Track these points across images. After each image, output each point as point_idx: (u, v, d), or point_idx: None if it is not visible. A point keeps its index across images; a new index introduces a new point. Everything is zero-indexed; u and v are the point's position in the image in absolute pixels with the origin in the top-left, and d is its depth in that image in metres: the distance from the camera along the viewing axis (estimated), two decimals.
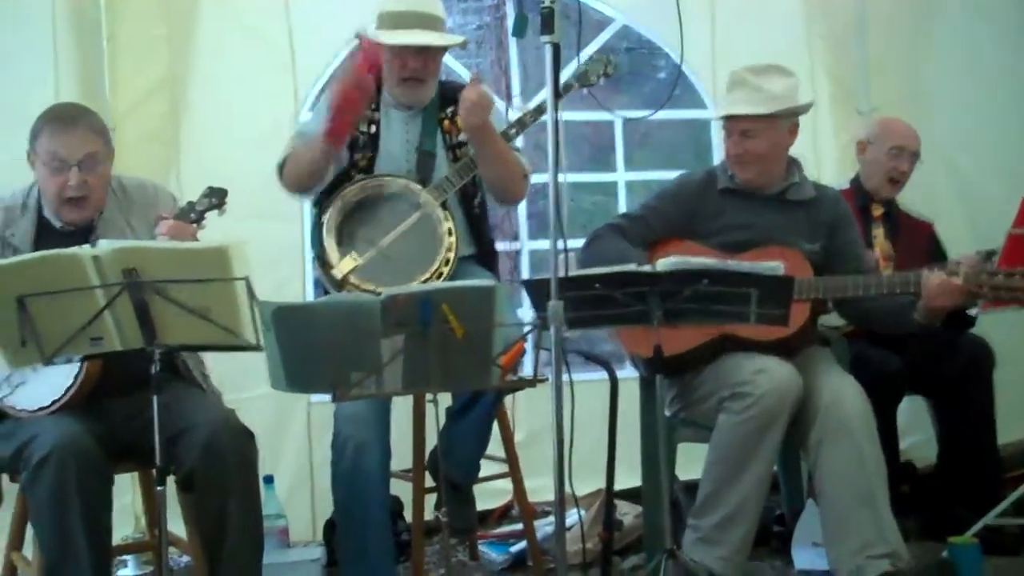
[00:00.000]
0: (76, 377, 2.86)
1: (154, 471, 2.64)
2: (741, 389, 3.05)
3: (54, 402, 2.85)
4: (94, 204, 3.02)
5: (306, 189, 3.42)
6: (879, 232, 3.93)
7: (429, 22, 3.35)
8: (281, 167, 3.40)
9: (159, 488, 2.61)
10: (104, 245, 2.54)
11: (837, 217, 3.44)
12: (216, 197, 2.99)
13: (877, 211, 3.99)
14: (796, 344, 3.19)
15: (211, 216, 3.04)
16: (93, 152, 2.97)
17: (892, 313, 3.29)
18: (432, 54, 3.39)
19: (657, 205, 3.50)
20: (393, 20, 3.35)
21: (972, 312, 3.72)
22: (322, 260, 3.31)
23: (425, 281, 3.24)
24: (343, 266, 3.29)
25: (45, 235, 3.00)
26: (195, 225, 2.96)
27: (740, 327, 3.02)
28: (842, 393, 3.09)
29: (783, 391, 3.04)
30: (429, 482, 3.29)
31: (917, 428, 4.34)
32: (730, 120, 3.37)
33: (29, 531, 2.94)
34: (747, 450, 3.04)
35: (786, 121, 3.40)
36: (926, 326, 3.22)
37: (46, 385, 2.85)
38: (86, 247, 2.57)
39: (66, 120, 2.98)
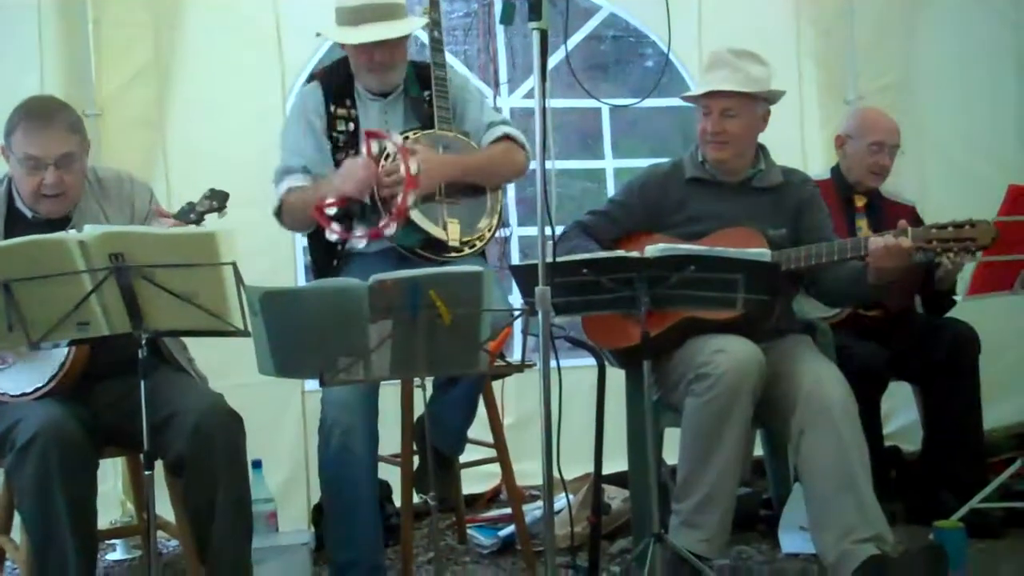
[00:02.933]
0: (62, 365, 2.85)
1: (142, 456, 2.64)
2: (702, 370, 3.06)
3: (39, 388, 2.85)
4: (71, 199, 3.00)
5: (305, 230, 3.46)
6: (863, 223, 3.93)
7: (387, 11, 3.35)
8: (279, 214, 3.42)
9: (147, 472, 2.61)
10: (90, 230, 2.53)
11: (803, 200, 3.45)
12: (217, 200, 2.97)
13: (860, 202, 4.00)
14: (758, 322, 3.15)
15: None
16: (69, 152, 2.94)
17: (848, 281, 3.29)
18: (397, 42, 3.39)
19: (622, 200, 3.53)
20: (351, 16, 3.34)
21: (957, 298, 3.74)
22: (429, 242, 3.31)
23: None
24: (452, 234, 3.32)
25: (17, 224, 2.98)
26: (193, 225, 2.93)
27: (709, 311, 3.04)
28: (822, 380, 3.10)
29: (743, 369, 3.04)
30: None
31: (903, 413, 4.37)
32: (711, 98, 3.36)
33: (17, 515, 2.95)
34: (714, 430, 3.05)
35: (762, 105, 3.42)
36: (880, 288, 3.23)
37: (31, 370, 2.86)
38: (72, 232, 2.57)
39: (41, 118, 2.93)
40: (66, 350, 2.84)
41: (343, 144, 3.42)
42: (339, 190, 3.26)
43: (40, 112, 2.97)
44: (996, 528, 3.62)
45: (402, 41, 3.42)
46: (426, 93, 3.47)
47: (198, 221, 2.93)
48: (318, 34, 3.42)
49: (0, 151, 3.01)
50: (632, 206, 3.48)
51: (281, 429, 4.07)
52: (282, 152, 3.46)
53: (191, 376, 3.11)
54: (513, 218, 4.62)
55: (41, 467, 2.68)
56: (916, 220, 3.91)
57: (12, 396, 2.86)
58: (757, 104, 3.40)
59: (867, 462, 3.05)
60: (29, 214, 3.02)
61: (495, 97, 4.56)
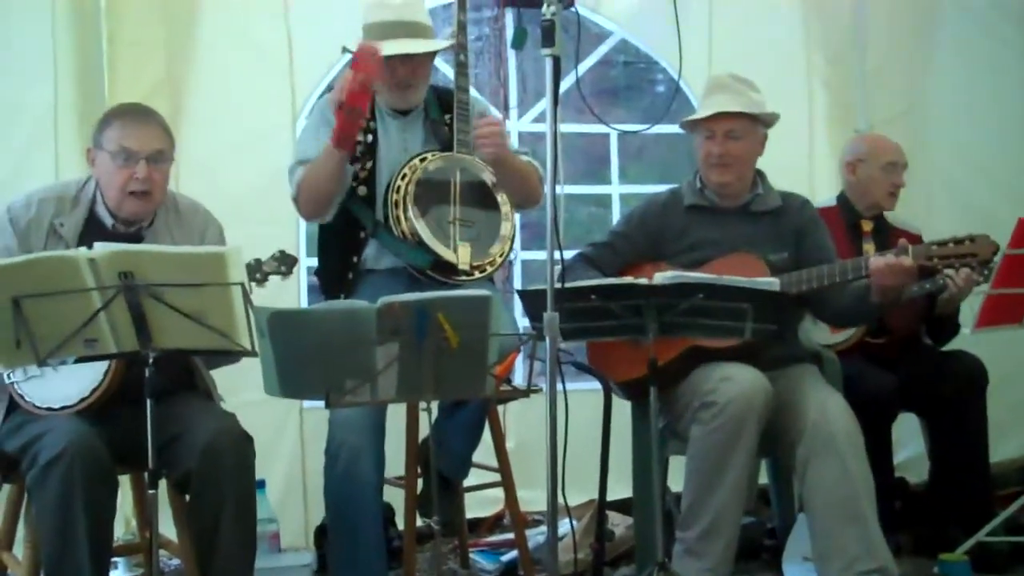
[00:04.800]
0: (94, 390, 2.85)
1: (146, 474, 2.63)
2: (708, 399, 3.06)
3: (66, 407, 2.84)
4: (155, 201, 3.03)
5: (325, 209, 3.39)
6: (870, 248, 3.95)
7: (415, 30, 3.37)
8: (297, 198, 3.38)
9: (151, 491, 2.61)
10: (100, 247, 2.54)
11: (803, 223, 3.46)
12: (285, 265, 2.97)
13: (867, 227, 4.02)
14: (762, 349, 3.15)
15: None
16: (162, 149, 3.00)
17: (853, 301, 3.30)
18: (420, 60, 3.40)
19: (623, 231, 3.54)
20: (379, 31, 3.36)
21: (965, 331, 3.73)
22: (439, 264, 3.32)
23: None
24: (463, 257, 3.33)
25: (94, 232, 2.98)
26: (255, 284, 2.91)
27: (717, 339, 3.04)
28: (828, 410, 3.10)
29: (749, 397, 3.04)
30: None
31: (910, 444, 4.35)
32: (715, 120, 3.38)
33: (19, 531, 2.94)
34: (720, 459, 3.05)
35: (761, 129, 3.45)
36: (886, 305, 3.24)
37: (62, 385, 2.84)
38: (82, 249, 2.57)
39: (138, 115, 3.04)
40: (101, 376, 2.84)
41: (361, 155, 3.41)
42: (332, 106, 3.22)
43: (137, 110, 3.09)
44: (1002, 562, 3.60)
45: (426, 60, 3.43)
46: (447, 117, 3.48)
47: (262, 280, 2.92)
48: (344, 48, 3.43)
49: (86, 154, 3.06)
50: (633, 236, 3.49)
51: (279, 447, 4.06)
52: (299, 148, 3.45)
53: (210, 399, 3.11)
54: (517, 242, 4.62)
55: (66, 483, 2.66)
56: None
57: (37, 406, 2.85)
58: (758, 127, 3.44)
59: (872, 493, 3.05)
60: (109, 222, 3.03)
61: (504, 121, 4.56)
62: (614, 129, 4.48)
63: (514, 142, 4.55)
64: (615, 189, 4.83)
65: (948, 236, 3.13)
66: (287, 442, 4.09)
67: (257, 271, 2.93)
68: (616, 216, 4.68)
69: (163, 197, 3.07)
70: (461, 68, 3.49)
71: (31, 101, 3.79)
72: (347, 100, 3.13)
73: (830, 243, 3.49)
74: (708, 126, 3.40)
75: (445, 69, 4.42)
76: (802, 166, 4.61)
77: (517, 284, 4.58)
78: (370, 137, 3.42)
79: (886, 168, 3.99)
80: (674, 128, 4.53)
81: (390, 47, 3.31)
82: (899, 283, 3.14)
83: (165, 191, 3.08)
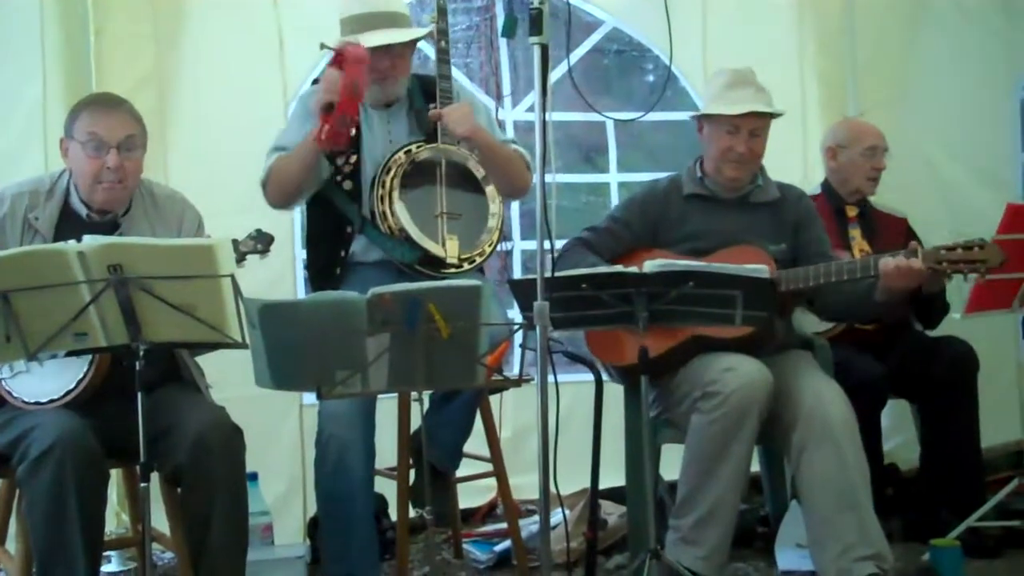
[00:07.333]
0: (80, 381, 2.84)
1: (138, 467, 2.62)
2: (710, 388, 3.06)
3: (53, 400, 2.83)
4: (127, 189, 3.03)
5: (292, 199, 3.40)
6: (856, 232, 3.97)
7: (393, 20, 3.36)
8: (265, 183, 3.36)
9: (143, 484, 2.60)
10: (89, 240, 2.53)
11: (801, 215, 3.46)
12: (262, 243, 2.97)
13: (852, 212, 4.03)
14: (764, 341, 3.16)
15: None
16: (132, 135, 2.99)
17: (856, 299, 3.29)
18: (400, 51, 3.38)
19: (622, 216, 3.52)
20: (356, 23, 3.35)
21: (956, 316, 3.73)
22: (427, 259, 3.32)
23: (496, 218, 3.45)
24: (451, 251, 3.32)
25: (69, 223, 2.99)
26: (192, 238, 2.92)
27: (707, 327, 3.04)
28: (823, 397, 3.10)
29: (752, 388, 3.04)
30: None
31: (900, 430, 4.37)
32: (745, 117, 3.36)
33: (11, 527, 2.94)
34: (719, 449, 3.05)
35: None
36: (889, 303, 3.24)
37: (49, 379, 2.84)
38: (71, 242, 2.56)
39: (107, 103, 3.04)
40: (86, 367, 2.84)
41: (345, 149, 3.41)
42: (317, 106, 3.21)
43: (105, 99, 3.10)
44: (993, 547, 3.60)
45: (405, 51, 3.41)
46: (431, 106, 3.45)
47: (240, 260, 2.88)
48: (323, 46, 3.43)
49: (59, 144, 3.05)
50: (632, 222, 3.48)
51: (278, 442, 4.06)
52: (280, 135, 3.44)
53: (198, 391, 3.10)
54: (516, 232, 4.62)
55: (57, 477, 2.66)
56: (908, 233, 3.96)
57: (25, 402, 2.85)
58: (770, 123, 3.43)
59: (868, 480, 3.06)
60: (84, 213, 3.03)
61: (498, 110, 4.56)
62: (607, 118, 4.48)
63: (509, 131, 4.56)
64: (612, 177, 4.83)
65: (957, 241, 3.11)
66: (287, 437, 4.08)
67: (234, 251, 2.92)
68: (614, 204, 4.67)
69: (136, 185, 3.07)
70: (442, 55, 3.47)
71: (21, 96, 3.79)
72: (340, 107, 3.12)
73: (826, 236, 3.50)
74: (734, 121, 3.37)
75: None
76: (796, 154, 4.61)
77: (516, 274, 4.57)
78: (354, 131, 3.40)
79: (866, 152, 4.01)
80: (669, 115, 4.54)
81: (369, 39, 3.29)
82: (908, 285, 3.14)
83: (138, 179, 3.07)
